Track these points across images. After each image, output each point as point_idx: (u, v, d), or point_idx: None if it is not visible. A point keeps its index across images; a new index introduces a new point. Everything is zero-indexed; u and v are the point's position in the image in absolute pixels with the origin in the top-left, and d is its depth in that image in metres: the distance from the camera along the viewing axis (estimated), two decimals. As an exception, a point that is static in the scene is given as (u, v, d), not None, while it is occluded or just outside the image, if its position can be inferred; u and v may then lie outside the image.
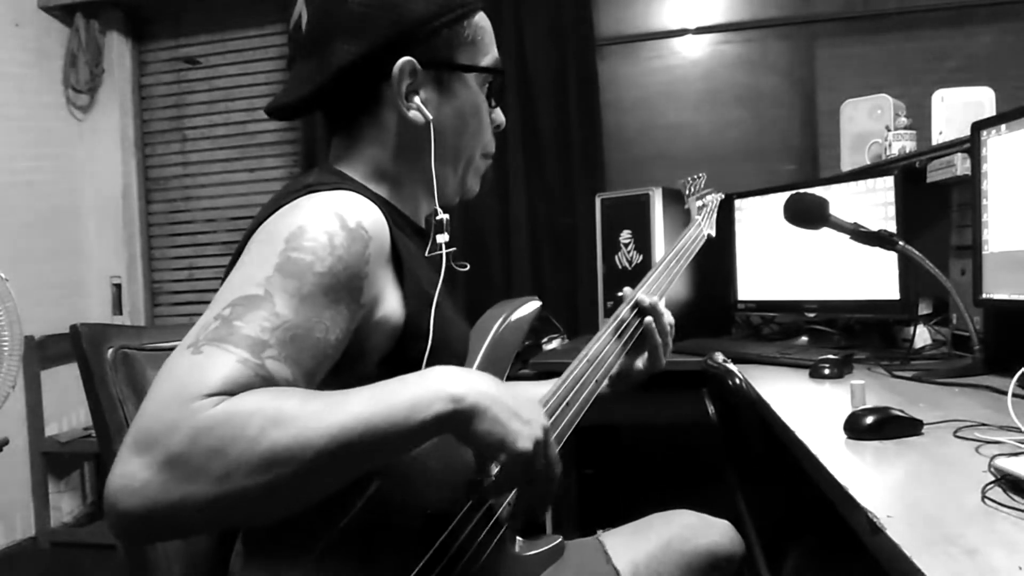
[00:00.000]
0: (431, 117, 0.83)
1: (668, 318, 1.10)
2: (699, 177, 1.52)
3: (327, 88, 0.82)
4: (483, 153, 0.92)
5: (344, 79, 0.81)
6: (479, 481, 0.72)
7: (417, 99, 0.82)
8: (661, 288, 1.18)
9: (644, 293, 1.10)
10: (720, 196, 1.53)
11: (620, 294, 1.10)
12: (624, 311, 1.08)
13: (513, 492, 0.88)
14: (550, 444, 0.71)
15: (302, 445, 0.58)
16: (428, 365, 0.74)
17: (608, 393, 1.10)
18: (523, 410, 0.68)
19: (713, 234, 1.44)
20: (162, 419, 0.57)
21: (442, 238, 0.84)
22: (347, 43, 0.80)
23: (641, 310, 1.08)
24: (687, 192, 1.51)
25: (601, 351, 1.02)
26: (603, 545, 1.02)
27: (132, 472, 0.56)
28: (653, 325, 1.07)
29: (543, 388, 0.96)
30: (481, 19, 0.88)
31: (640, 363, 1.09)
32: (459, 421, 0.64)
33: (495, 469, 0.70)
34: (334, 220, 0.71)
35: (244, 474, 0.56)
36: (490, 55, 0.89)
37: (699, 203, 1.47)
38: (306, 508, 0.62)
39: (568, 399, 0.93)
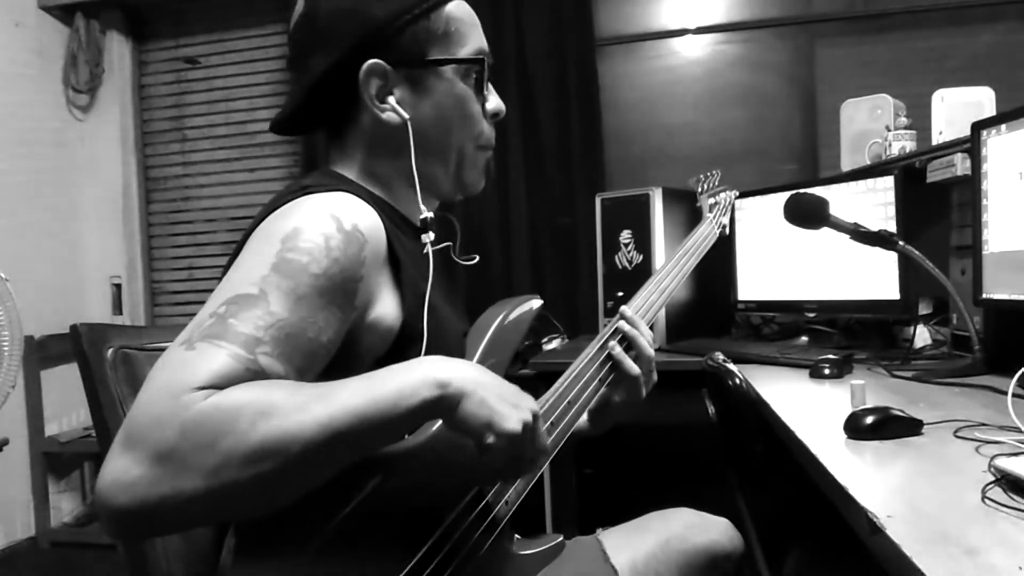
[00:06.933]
0: (407, 116, 0.82)
1: (648, 351, 1.00)
2: (713, 174, 1.51)
3: (308, 101, 0.85)
4: (478, 145, 0.89)
5: (321, 90, 0.83)
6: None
7: (391, 99, 0.82)
8: (667, 290, 1.16)
9: (633, 310, 1.04)
10: (734, 193, 1.52)
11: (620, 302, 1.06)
12: (608, 332, 1.00)
13: (512, 490, 0.89)
14: (539, 429, 0.71)
15: (292, 436, 0.58)
16: None
17: (590, 432, 1.08)
18: (511, 394, 0.69)
19: (727, 232, 1.43)
20: (151, 414, 0.57)
21: (426, 237, 0.83)
22: (320, 56, 0.82)
23: (622, 334, 1.00)
24: (699, 189, 1.50)
25: (585, 372, 0.97)
26: (601, 544, 1.02)
27: (122, 468, 0.56)
28: (625, 355, 0.99)
29: None
30: (455, 9, 0.85)
31: (618, 396, 1.03)
32: (446, 406, 0.65)
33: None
34: (330, 222, 0.71)
35: (235, 467, 0.57)
36: (469, 45, 0.85)
37: (711, 201, 1.46)
38: (299, 501, 0.62)
39: (563, 408, 0.93)
